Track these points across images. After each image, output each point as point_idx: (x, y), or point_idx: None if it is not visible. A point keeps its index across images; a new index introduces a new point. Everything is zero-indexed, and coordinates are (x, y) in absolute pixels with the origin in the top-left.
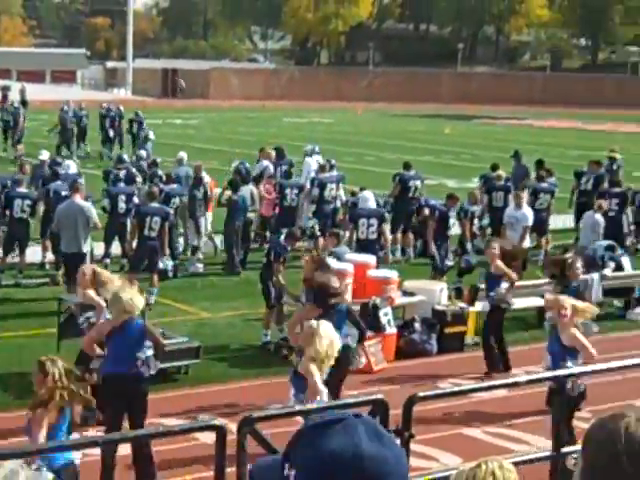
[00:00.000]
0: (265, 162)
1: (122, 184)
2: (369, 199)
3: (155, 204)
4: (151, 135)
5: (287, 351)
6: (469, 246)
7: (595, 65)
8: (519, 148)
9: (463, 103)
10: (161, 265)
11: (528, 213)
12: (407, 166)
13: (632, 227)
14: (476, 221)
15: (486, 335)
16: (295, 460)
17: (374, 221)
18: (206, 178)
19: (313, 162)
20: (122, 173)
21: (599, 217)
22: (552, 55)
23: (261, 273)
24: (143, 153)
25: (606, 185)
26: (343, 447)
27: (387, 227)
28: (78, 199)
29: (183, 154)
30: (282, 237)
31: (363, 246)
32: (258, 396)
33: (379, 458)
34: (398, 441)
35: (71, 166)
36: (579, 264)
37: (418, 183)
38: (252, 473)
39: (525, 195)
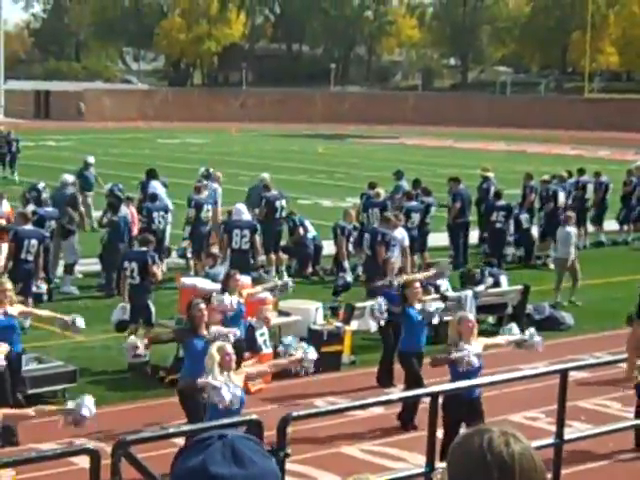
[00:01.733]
0: (214, 184)
1: None
2: (243, 212)
3: (30, 227)
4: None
5: (164, 373)
6: (346, 264)
7: (465, 84)
8: (392, 167)
9: (336, 122)
10: (35, 289)
11: (404, 233)
12: (267, 187)
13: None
14: (351, 239)
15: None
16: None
17: (247, 232)
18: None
19: (158, 185)
20: None
21: (570, 229)
22: (423, 75)
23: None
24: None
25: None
26: (193, 467)
27: (258, 238)
28: None
29: (68, 176)
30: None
31: (237, 256)
32: (136, 419)
33: (225, 478)
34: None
35: None
36: (417, 285)
37: (284, 202)
38: None
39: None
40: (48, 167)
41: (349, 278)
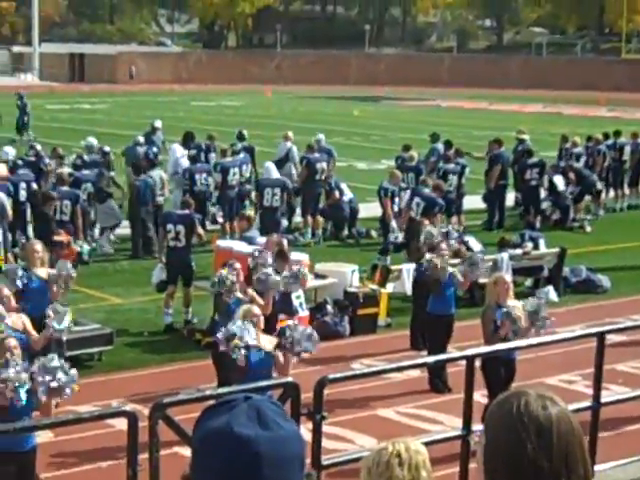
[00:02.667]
0: (288, 144)
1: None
2: (272, 170)
3: (65, 188)
4: None
5: (200, 335)
6: (393, 224)
7: (500, 46)
8: (427, 129)
9: (371, 84)
10: (78, 248)
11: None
12: (310, 148)
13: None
14: (396, 200)
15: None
16: (194, 437)
17: (277, 190)
18: None
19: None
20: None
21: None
22: (458, 36)
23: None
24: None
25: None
26: (218, 427)
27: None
28: None
29: (93, 140)
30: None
31: (267, 213)
32: (173, 382)
33: (251, 439)
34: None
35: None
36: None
37: (324, 165)
38: None
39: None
40: (83, 130)
41: (398, 238)
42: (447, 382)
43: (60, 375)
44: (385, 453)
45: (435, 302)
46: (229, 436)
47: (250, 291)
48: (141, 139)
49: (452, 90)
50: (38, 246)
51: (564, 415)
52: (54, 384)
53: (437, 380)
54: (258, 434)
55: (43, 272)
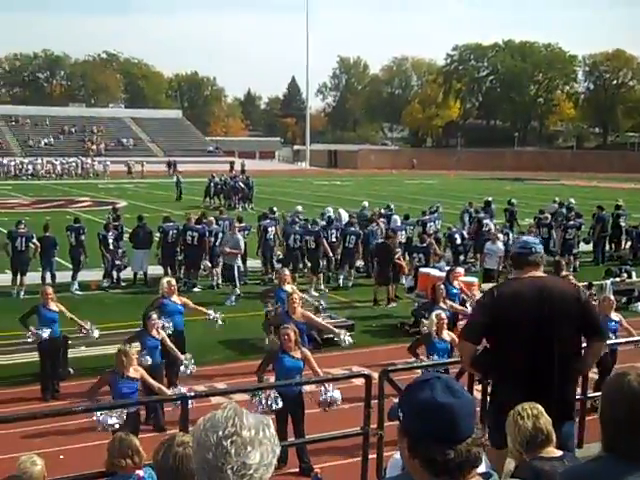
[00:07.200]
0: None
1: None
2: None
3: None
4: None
5: (407, 327)
6: None
7: (605, 145)
8: (557, 200)
9: (518, 171)
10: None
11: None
12: (477, 210)
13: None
14: None
15: None
16: (402, 406)
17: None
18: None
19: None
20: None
21: None
22: (577, 139)
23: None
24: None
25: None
26: (424, 398)
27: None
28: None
29: (365, 203)
30: None
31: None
32: (390, 356)
33: (449, 405)
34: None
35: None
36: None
37: (490, 221)
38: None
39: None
40: (338, 198)
41: None
42: None
43: None
44: None
45: None
46: (434, 404)
47: None
48: (366, 203)
49: (572, 174)
50: None
51: None
52: None
53: None
54: (451, 401)
55: None
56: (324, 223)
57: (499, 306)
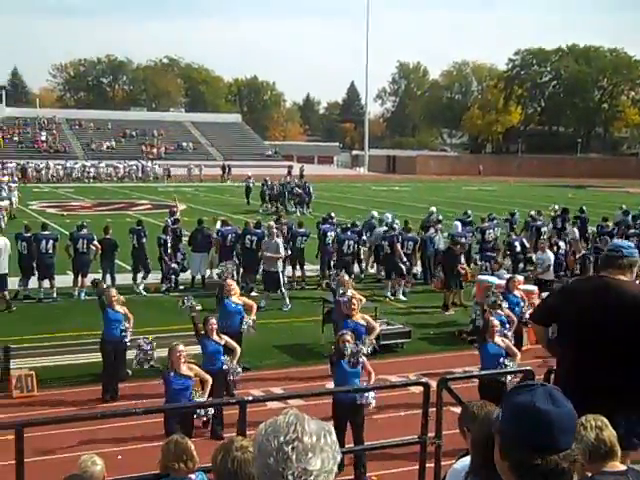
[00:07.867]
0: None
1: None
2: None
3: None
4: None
5: (465, 335)
6: None
7: None
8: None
9: (581, 177)
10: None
11: (551, 255)
12: (533, 217)
13: None
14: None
15: None
16: (502, 408)
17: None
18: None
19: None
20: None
21: None
22: None
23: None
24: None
25: None
26: (523, 403)
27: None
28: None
29: (433, 208)
30: None
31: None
32: (449, 364)
33: (547, 412)
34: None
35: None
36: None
37: (545, 228)
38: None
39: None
40: (394, 203)
41: None
42: None
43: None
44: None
45: None
46: (533, 409)
47: None
48: (433, 209)
49: (636, 181)
50: None
51: None
52: None
53: None
54: (550, 409)
55: None
56: (385, 228)
57: (561, 298)
